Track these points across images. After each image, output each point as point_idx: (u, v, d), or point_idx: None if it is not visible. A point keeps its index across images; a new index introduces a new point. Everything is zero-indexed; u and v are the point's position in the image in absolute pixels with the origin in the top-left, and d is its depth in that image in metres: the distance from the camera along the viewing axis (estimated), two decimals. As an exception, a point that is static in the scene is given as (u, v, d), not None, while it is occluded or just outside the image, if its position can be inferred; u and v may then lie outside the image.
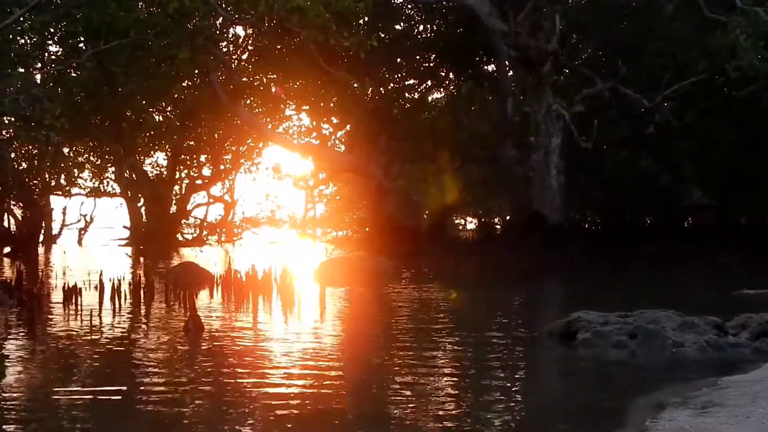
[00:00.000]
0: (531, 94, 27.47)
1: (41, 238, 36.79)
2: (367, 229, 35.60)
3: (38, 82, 20.31)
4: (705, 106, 27.36)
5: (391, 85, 32.72)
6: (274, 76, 31.46)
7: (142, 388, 7.09)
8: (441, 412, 6.27)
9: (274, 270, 15.23)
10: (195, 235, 44.05)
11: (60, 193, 39.87)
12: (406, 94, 34.07)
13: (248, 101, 31.94)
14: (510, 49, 27.76)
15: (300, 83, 30.96)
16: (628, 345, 8.85)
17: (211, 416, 6.18)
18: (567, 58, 29.31)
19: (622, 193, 31.25)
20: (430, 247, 27.72)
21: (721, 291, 14.26)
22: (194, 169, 41.70)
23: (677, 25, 25.86)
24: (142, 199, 40.39)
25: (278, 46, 28.66)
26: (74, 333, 10.26)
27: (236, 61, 31.10)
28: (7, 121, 20.95)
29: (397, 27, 32.13)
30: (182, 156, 39.59)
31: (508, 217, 39.05)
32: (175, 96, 30.65)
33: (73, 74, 21.50)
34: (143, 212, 40.70)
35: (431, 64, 33.18)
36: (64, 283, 14.05)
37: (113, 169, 38.32)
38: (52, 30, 20.27)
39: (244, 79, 30.66)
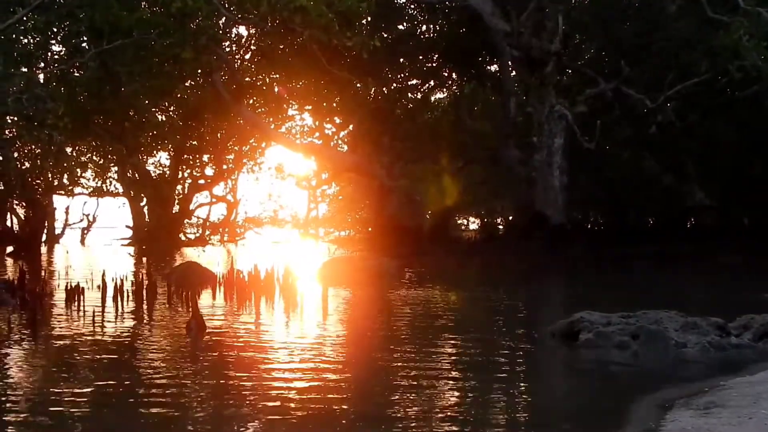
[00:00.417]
0: (534, 94, 27.43)
1: (44, 237, 36.82)
2: (370, 229, 35.56)
3: (41, 81, 20.29)
4: (708, 106, 27.32)
5: (394, 85, 32.70)
6: (277, 76, 31.51)
7: (144, 388, 7.10)
8: (443, 413, 6.27)
9: (276, 270, 15.23)
10: (197, 234, 44.15)
11: (63, 192, 39.97)
12: (409, 94, 34.06)
13: (251, 101, 32.00)
14: (513, 50, 27.77)
15: (303, 83, 30.99)
16: (631, 345, 8.85)
17: (214, 416, 6.20)
18: (570, 58, 29.27)
19: (624, 194, 31.22)
20: (432, 247, 27.71)
21: (722, 292, 14.24)
22: (197, 168, 41.83)
23: (680, 26, 25.82)
24: (144, 199, 40.55)
25: (281, 46, 28.70)
26: (76, 333, 10.25)
27: (239, 61, 31.16)
28: (10, 121, 20.94)
29: (400, 27, 32.15)
30: (185, 156, 39.69)
31: (510, 218, 39.04)
32: (178, 96, 30.70)
33: (76, 74, 21.50)
34: (146, 212, 40.84)
35: (434, 64, 33.18)
36: (67, 283, 14.07)
37: (116, 168, 38.50)
38: (55, 29, 20.30)
39: (247, 78, 30.72)
